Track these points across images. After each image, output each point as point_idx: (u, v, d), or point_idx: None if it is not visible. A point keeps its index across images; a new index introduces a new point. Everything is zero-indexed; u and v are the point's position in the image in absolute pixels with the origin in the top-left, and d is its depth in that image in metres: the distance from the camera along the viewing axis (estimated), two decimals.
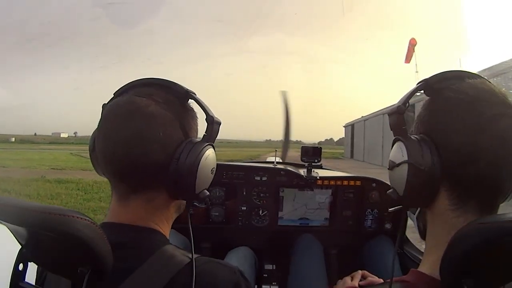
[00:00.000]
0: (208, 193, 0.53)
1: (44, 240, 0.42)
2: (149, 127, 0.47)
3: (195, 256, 0.49)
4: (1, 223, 0.43)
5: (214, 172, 0.54)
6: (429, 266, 0.45)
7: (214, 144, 0.53)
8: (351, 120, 29.83)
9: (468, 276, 0.37)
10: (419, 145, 0.44)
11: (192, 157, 0.48)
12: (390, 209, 0.53)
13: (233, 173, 1.30)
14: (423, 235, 0.51)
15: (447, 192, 0.44)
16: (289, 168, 1.34)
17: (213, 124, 0.52)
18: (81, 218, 0.40)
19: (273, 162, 1.41)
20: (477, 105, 0.42)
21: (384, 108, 18.09)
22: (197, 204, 1.29)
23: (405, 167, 0.44)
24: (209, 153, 0.51)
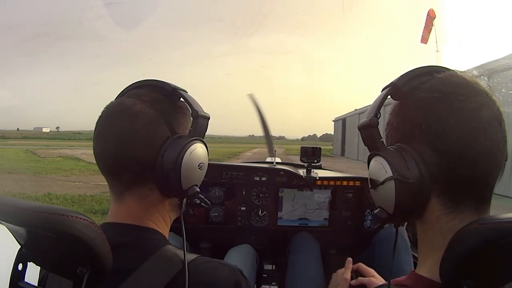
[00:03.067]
0: (197, 189, 0.52)
1: (44, 240, 0.42)
2: (132, 125, 0.48)
3: (194, 256, 0.49)
4: (1, 223, 0.43)
5: (203, 167, 0.53)
6: (427, 269, 0.44)
7: (203, 140, 0.53)
8: (341, 115, 26.85)
9: (468, 276, 0.37)
10: (402, 157, 0.41)
11: (174, 152, 0.48)
12: (375, 227, 0.50)
13: (232, 173, 1.30)
14: (415, 244, 0.50)
15: (439, 198, 0.42)
16: (289, 168, 1.34)
17: (197, 118, 0.52)
18: (81, 218, 0.40)
19: (272, 163, 1.41)
20: (454, 100, 0.40)
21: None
22: (202, 204, 1.27)
23: (391, 184, 0.41)
24: (195, 147, 0.50)
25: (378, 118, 0.44)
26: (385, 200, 0.43)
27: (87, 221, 0.40)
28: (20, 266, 0.48)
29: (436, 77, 0.43)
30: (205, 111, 0.53)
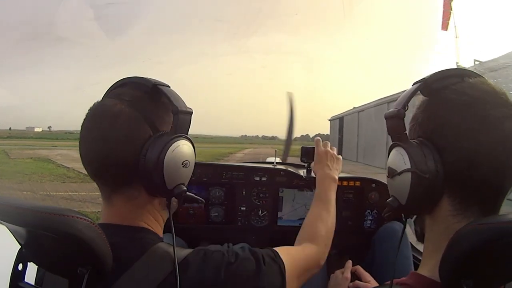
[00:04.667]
0: (184, 187, 0.51)
1: (44, 240, 0.42)
2: (113, 127, 0.48)
3: (188, 251, 0.49)
4: (1, 223, 0.43)
5: (188, 165, 0.51)
6: (429, 269, 0.45)
7: (188, 136, 0.52)
8: (337, 114, 25.05)
9: (468, 276, 0.37)
10: (422, 152, 0.42)
11: (156, 151, 0.47)
12: (385, 215, 0.51)
13: (232, 173, 1.29)
14: (420, 238, 0.50)
15: (449, 198, 0.43)
16: (289, 168, 1.34)
17: (178, 114, 0.50)
18: (81, 218, 0.40)
19: (272, 163, 1.41)
20: (481, 107, 0.41)
21: (388, 96, 14.17)
22: (195, 203, 1.28)
23: (408, 176, 0.42)
24: (178, 145, 0.49)
25: (406, 111, 0.46)
26: (400, 190, 0.44)
27: (87, 221, 0.40)
28: (20, 266, 0.48)
29: (466, 81, 0.44)
30: (188, 106, 0.51)
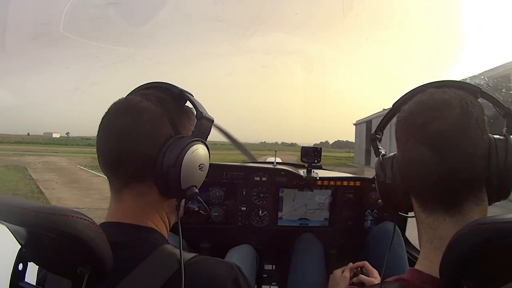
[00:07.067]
0: (196, 190, 0.53)
1: (44, 240, 0.42)
2: (137, 120, 0.49)
3: (193, 254, 0.50)
4: (1, 223, 0.43)
5: (204, 169, 0.54)
6: (419, 263, 0.47)
7: (206, 142, 0.54)
8: (365, 116, 22.45)
9: (468, 276, 0.37)
10: (384, 163, 0.53)
11: (176, 150, 0.49)
12: (377, 210, 0.58)
13: (232, 173, 1.29)
14: None
15: (413, 196, 0.49)
16: (289, 168, 1.34)
17: (202, 119, 0.53)
18: (81, 218, 0.40)
19: (272, 163, 1.41)
20: (409, 118, 0.47)
21: None
22: (200, 211, 1.27)
23: (376, 182, 0.54)
24: (197, 148, 0.51)
25: (381, 134, 0.60)
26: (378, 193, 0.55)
27: (88, 221, 0.40)
28: (20, 266, 0.48)
29: (413, 99, 0.50)
30: (209, 115, 0.54)
